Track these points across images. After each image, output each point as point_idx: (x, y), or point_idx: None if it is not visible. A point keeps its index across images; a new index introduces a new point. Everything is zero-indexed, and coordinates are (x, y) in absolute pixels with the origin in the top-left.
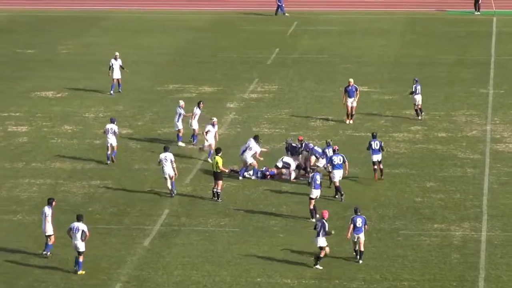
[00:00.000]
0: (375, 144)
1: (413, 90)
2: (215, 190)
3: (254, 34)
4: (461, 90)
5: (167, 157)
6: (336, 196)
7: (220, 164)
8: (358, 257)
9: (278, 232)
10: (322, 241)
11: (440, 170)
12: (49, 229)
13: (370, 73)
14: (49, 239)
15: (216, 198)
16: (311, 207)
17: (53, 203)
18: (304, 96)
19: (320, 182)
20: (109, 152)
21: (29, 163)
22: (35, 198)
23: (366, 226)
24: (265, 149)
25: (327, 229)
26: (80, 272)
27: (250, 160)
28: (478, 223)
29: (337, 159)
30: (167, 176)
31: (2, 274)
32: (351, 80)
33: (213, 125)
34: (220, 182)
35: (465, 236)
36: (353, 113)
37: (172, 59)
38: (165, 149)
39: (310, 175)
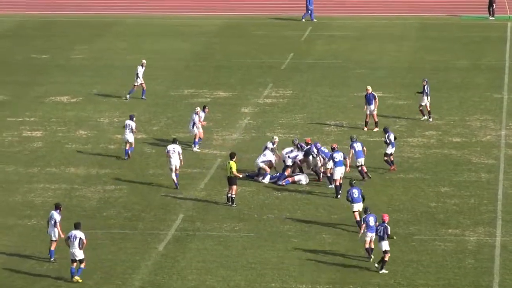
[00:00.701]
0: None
1: (423, 90)
2: (229, 195)
3: (268, 39)
4: (475, 95)
5: (175, 149)
6: (338, 196)
7: (234, 169)
8: (371, 255)
9: (293, 237)
10: (385, 245)
11: (454, 175)
12: (57, 235)
13: (384, 78)
14: (54, 244)
15: (230, 203)
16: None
17: (61, 208)
18: (318, 101)
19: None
20: (126, 148)
21: (44, 168)
22: (50, 203)
23: (377, 223)
24: (277, 158)
25: (389, 232)
26: (76, 278)
27: (261, 164)
28: (492, 228)
29: (338, 156)
30: (172, 167)
31: (17, 279)
32: (369, 87)
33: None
34: (234, 187)
35: (480, 241)
36: (376, 120)
37: (186, 64)
38: (174, 141)
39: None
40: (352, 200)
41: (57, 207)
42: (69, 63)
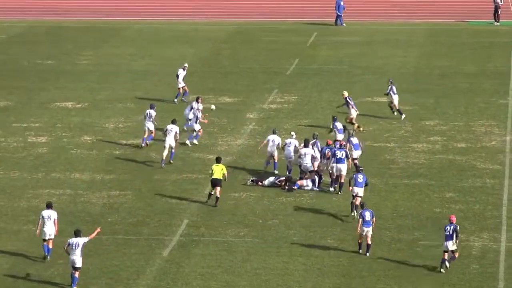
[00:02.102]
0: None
1: (389, 91)
2: (217, 195)
3: (273, 44)
4: (480, 101)
5: (173, 129)
6: (340, 192)
7: (226, 172)
8: (366, 251)
9: (298, 243)
10: (451, 245)
11: (459, 180)
12: (54, 232)
13: None
14: (51, 242)
15: (215, 203)
16: (357, 203)
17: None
18: (323, 107)
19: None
20: (145, 136)
21: (49, 174)
22: (54, 208)
23: (374, 219)
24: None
25: (459, 233)
26: None
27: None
28: (497, 233)
29: (340, 154)
30: (167, 146)
31: (22, 284)
32: (345, 92)
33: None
34: (219, 188)
35: (484, 246)
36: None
37: (192, 70)
38: (173, 122)
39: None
40: (355, 184)
41: (50, 205)
42: (75, 69)
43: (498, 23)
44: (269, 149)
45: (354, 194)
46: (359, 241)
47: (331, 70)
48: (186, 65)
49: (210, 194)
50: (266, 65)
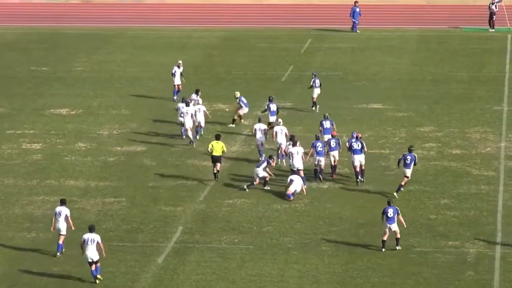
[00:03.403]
0: (357, 145)
1: (312, 84)
2: (215, 171)
3: (267, 51)
4: (475, 107)
5: (188, 111)
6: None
7: (225, 149)
8: (396, 244)
9: (293, 249)
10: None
11: (454, 187)
12: (66, 228)
13: (384, 90)
14: (63, 238)
15: (216, 179)
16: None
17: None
18: (318, 114)
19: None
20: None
21: (43, 180)
22: (49, 215)
23: (399, 216)
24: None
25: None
26: (98, 277)
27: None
28: (492, 240)
29: (356, 145)
30: (188, 127)
31: None
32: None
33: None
34: (219, 165)
35: (480, 253)
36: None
37: (186, 76)
38: (187, 104)
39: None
40: (404, 165)
41: (63, 202)
42: (69, 75)
43: (493, 30)
44: (257, 137)
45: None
46: (383, 238)
47: (326, 77)
48: (180, 62)
49: (215, 174)
50: (260, 72)
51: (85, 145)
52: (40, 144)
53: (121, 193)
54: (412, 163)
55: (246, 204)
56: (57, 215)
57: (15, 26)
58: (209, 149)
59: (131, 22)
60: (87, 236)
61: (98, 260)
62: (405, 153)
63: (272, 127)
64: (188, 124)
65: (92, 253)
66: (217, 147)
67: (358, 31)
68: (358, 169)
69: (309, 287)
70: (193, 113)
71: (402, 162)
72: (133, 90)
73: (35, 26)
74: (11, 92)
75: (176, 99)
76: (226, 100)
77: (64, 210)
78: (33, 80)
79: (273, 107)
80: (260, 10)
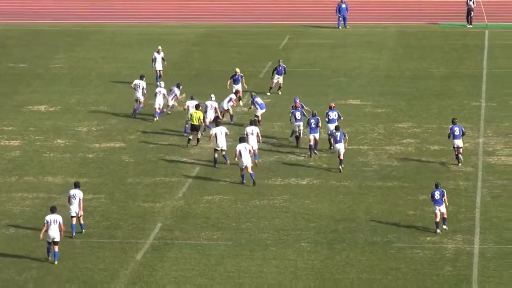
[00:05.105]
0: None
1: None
2: (199, 137)
3: (246, 47)
4: (454, 103)
5: (213, 105)
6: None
7: (202, 118)
8: (442, 224)
9: (271, 246)
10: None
11: (433, 183)
12: (78, 210)
13: (362, 86)
14: (75, 219)
15: (197, 143)
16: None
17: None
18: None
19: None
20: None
21: (22, 177)
22: (28, 212)
23: (445, 198)
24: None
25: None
26: (56, 262)
27: (226, 106)
28: (470, 235)
29: (332, 115)
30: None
31: None
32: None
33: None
34: (198, 133)
35: (458, 249)
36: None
37: (164, 73)
38: (192, 98)
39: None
40: (454, 137)
41: (77, 185)
42: (48, 72)
43: (470, 26)
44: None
45: (455, 146)
46: (436, 220)
47: (304, 73)
48: (159, 47)
49: (189, 140)
50: (239, 68)
51: (64, 141)
52: (19, 141)
53: (100, 189)
54: (461, 133)
55: (225, 200)
56: (51, 222)
57: None
58: (188, 116)
59: (110, 19)
60: (50, 217)
61: (58, 241)
62: (451, 125)
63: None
64: (210, 116)
65: (54, 233)
66: (195, 117)
67: (348, 27)
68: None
69: (287, 283)
70: (216, 106)
71: (451, 136)
72: (112, 86)
73: (13, 23)
74: None
75: (159, 84)
76: (203, 97)
77: (81, 194)
78: (11, 77)
79: (259, 100)
80: (238, 7)
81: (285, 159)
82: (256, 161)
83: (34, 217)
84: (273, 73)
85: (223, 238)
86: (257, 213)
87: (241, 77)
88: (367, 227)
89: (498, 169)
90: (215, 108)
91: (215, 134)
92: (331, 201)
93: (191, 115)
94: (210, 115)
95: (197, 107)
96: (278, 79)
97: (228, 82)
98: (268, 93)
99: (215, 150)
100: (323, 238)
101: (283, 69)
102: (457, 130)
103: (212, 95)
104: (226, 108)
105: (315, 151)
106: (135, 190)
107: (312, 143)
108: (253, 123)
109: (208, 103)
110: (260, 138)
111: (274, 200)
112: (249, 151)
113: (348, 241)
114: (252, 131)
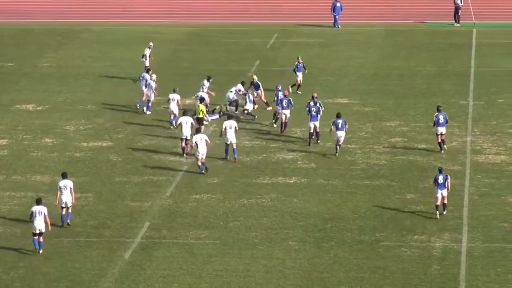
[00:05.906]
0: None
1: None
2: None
3: (234, 46)
4: (441, 102)
5: (174, 98)
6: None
7: (204, 111)
8: (442, 209)
9: (259, 244)
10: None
11: (420, 181)
12: (70, 200)
13: (350, 85)
14: (65, 210)
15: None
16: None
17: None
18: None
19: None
20: (171, 118)
21: (10, 176)
22: (15, 211)
23: (448, 182)
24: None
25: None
26: (41, 252)
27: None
28: (458, 234)
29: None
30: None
31: None
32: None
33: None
34: (202, 127)
35: (446, 247)
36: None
37: (153, 72)
38: (201, 100)
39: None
40: (438, 124)
41: (65, 175)
42: (36, 71)
43: (458, 24)
44: (171, 106)
45: (438, 133)
46: (436, 203)
47: (291, 72)
48: (151, 44)
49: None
50: (226, 67)
51: (51, 140)
52: (7, 140)
53: (87, 188)
54: (445, 121)
55: (213, 199)
56: (37, 213)
57: None
58: (170, 108)
59: (98, 18)
60: (35, 208)
61: (43, 232)
62: (436, 113)
63: (249, 113)
64: (173, 109)
65: (39, 224)
66: (197, 110)
67: (339, 26)
68: (311, 131)
69: (275, 282)
70: (179, 99)
71: (436, 123)
72: (100, 85)
73: (1, 22)
74: None
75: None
76: (192, 95)
77: (71, 184)
78: None
79: (250, 96)
80: (226, 5)
81: (273, 158)
82: (236, 156)
83: (22, 215)
84: (294, 71)
85: (211, 237)
86: (245, 212)
87: (260, 85)
88: (354, 225)
89: (486, 167)
90: (177, 101)
91: (196, 142)
92: (319, 200)
93: (196, 107)
94: (173, 108)
95: (201, 100)
96: (298, 76)
97: (249, 88)
98: (299, 92)
99: (197, 158)
100: (311, 237)
101: (302, 66)
102: (441, 118)
103: (176, 88)
104: (232, 99)
105: (317, 140)
106: (123, 189)
107: (312, 130)
108: (231, 117)
109: (171, 96)
110: (238, 130)
111: (262, 199)
112: (235, 128)
113: (336, 240)
114: (231, 125)
